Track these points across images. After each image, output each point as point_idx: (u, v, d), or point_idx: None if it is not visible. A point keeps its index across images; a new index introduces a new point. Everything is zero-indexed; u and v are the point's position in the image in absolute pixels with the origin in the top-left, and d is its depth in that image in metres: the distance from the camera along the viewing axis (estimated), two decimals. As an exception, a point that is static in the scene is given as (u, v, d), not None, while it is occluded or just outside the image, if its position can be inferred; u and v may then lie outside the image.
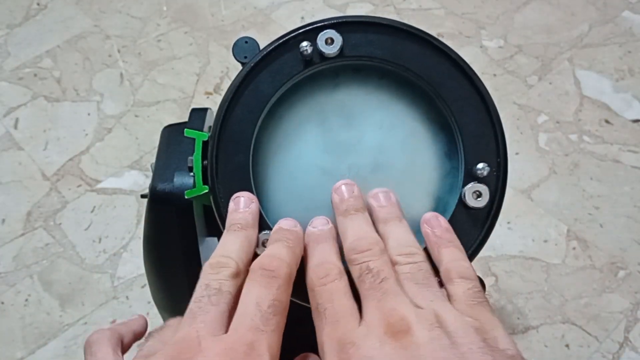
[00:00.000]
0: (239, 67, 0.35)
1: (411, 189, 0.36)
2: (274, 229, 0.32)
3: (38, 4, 1.02)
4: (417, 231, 0.36)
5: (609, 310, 0.69)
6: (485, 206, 0.34)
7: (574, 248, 0.73)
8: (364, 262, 0.29)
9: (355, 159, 0.36)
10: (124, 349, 0.30)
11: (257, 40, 0.35)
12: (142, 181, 0.79)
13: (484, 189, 0.34)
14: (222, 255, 0.29)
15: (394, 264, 0.29)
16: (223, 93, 0.35)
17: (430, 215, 0.33)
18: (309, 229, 0.32)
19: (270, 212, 0.35)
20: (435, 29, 0.95)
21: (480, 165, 0.34)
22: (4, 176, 0.80)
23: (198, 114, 0.42)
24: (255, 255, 0.31)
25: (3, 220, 0.76)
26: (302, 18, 0.97)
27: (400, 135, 0.36)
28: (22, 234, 0.74)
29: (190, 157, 0.35)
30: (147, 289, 0.42)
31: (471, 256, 0.34)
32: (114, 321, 0.68)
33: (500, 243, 0.74)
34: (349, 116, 0.36)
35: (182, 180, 0.39)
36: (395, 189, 0.36)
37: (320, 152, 0.36)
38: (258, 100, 0.35)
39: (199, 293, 0.28)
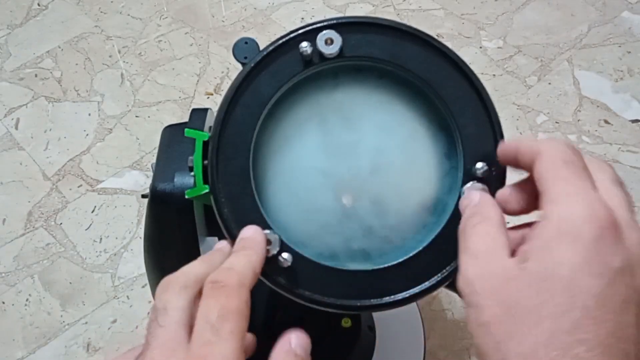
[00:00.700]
0: (239, 67, 0.36)
1: (410, 189, 0.36)
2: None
3: (39, 5, 1.03)
4: (417, 231, 0.36)
5: (608, 310, 0.69)
6: (484, 206, 0.34)
7: (573, 248, 0.73)
8: None
9: (355, 159, 0.36)
10: None
11: (257, 40, 0.35)
12: (143, 181, 0.79)
13: (483, 188, 0.34)
14: (174, 274, 0.29)
15: None
16: (223, 93, 0.35)
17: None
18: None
19: (270, 212, 0.35)
20: (435, 30, 0.95)
21: (479, 165, 0.34)
22: (5, 176, 0.80)
23: (198, 114, 0.42)
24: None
25: (4, 220, 0.76)
26: (302, 19, 0.97)
27: (399, 136, 0.36)
28: (23, 234, 0.75)
29: (190, 157, 0.36)
30: (148, 288, 0.42)
31: (470, 256, 0.34)
32: (114, 321, 0.68)
33: (499, 243, 0.74)
34: (348, 116, 0.36)
35: (182, 180, 0.39)
36: (395, 190, 0.36)
37: (319, 153, 0.36)
38: (258, 100, 0.35)
39: (150, 317, 0.27)
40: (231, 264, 0.30)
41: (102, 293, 0.70)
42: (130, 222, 0.75)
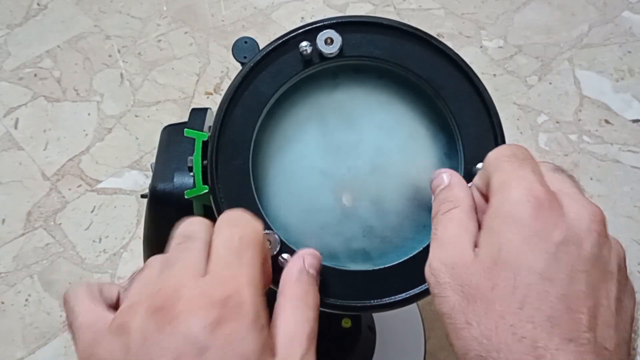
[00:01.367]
0: (239, 67, 0.36)
1: (411, 189, 0.36)
2: None
3: (38, 4, 1.02)
4: (417, 231, 0.36)
5: (608, 310, 0.69)
6: (485, 206, 0.34)
7: (573, 248, 0.73)
8: None
9: (355, 159, 0.36)
10: (106, 300, 0.29)
11: (256, 40, 0.35)
12: (142, 181, 0.79)
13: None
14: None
15: None
16: (223, 93, 0.35)
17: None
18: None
19: (270, 212, 0.35)
20: (435, 29, 0.95)
21: (479, 165, 0.34)
22: (4, 176, 0.80)
23: (198, 114, 0.42)
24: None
25: (3, 220, 0.76)
26: (302, 18, 0.97)
27: (399, 136, 0.36)
28: (22, 234, 0.74)
29: (190, 157, 0.35)
30: (147, 288, 0.42)
31: (471, 256, 0.34)
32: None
33: (500, 243, 0.74)
34: (348, 116, 0.36)
35: (182, 180, 0.39)
36: (395, 190, 0.36)
37: (319, 153, 0.36)
38: (258, 100, 0.35)
39: (173, 242, 0.28)
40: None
41: (102, 293, 0.70)
42: (129, 222, 0.75)
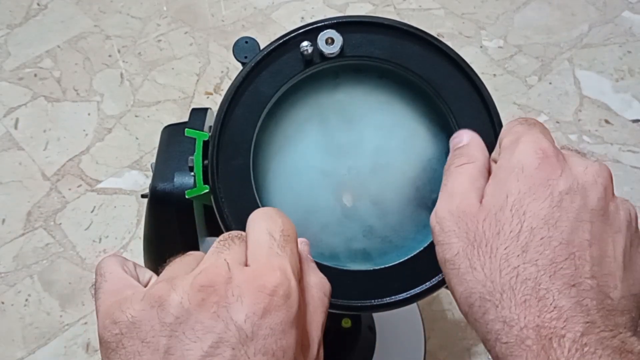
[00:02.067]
0: (239, 67, 0.35)
1: (411, 189, 0.36)
2: None
3: (38, 4, 1.02)
4: (417, 231, 0.36)
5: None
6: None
7: (573, 248, 0.73)
8: None
9: (355, 159, 0.36)
10: (138, 278, 0.29)
11: (257, 40, 0.35)
12: (143, 181, 0.79)
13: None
14: None
15: None
16: (223, 93, 0.35)
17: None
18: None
19: (270, 212, 0.35)
20: (435, 29, 0.95)
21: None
22: (4, 176, 0.80)
23: (198, 114, 0.42)
24: None
25: (3, 220, 0.76)
26: (302, 18, 0.97)
27: (400, 136, 0.36)
28: (22, 234, 0.74)
29: (190, 157, 0.35)
30: (148, 288, 0.42)
31: (471, 256, 0.34)
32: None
33: (500, 243, 0.74)
34: (349, 116, 0.36)
35: (182, 180, 0.39)
36: (395, 190, 0.36)
37: (320, 153, 0.36)
38: (258, 100, 0.35)
39: (220, 239, 0.27)
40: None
41: (102, 293, 0.69)
42: (129, 222, 0.75)
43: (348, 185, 0.35)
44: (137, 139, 0.84)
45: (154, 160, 0.42)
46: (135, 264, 0.30)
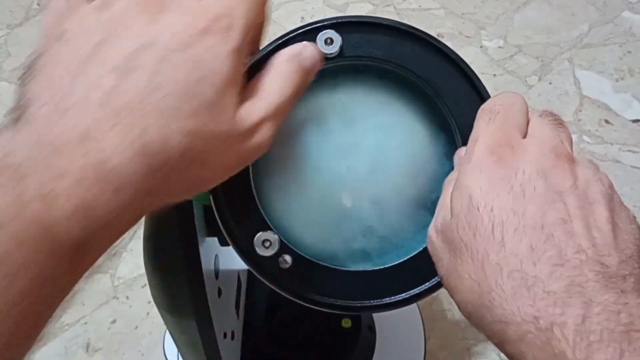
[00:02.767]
0: (239, 67, 0.35)
1: (411, 189, 0.36)
2: None
3: (38, 4, 1.02)
4: (417, 231, 0.36)
5: (608, 310, 0.69)
6: (485, 206, 0.34)
7: (573, 248, 0.73)
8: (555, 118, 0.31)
9: (355, 159, 0.36)
10: None
11: (257, 40, 0.35)
12: (142, 181, 0.79)
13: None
14: None
15: None
16: (223, 93, 0.35)
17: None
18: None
19: (269, 212, 0.35)
20: (435, 29, 0.95)
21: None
22: (4, 176, 0.80)
23: (198, 114, 0.42)
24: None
25: (3, 221, 0.76)
26: (302, 18, 0.97)
27: (399, 136, 0.36)
28: (23, 234, 0.74)
29: (190, 157, 0.35)
30: (148, 288, 0.42)
31: (471, 256, 0.34)
32: (114, 321, 0.68)
33: (500, 243, 0.74)
34: (348, 116, 0.36)
35: (182, 180, 0.39)
36: (395, 190, 0.36)
37: (319, 153, 0.36)
38: (258, 100, 0.35)
39: None
40: None
41: (102, 293, 0.70)
42: (130, 222, 0.75)
43: (347, 185, 0.35)
44: (137, 139, 0.84)
45: (153, 160, 0.42)
46: None
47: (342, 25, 0.34)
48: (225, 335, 0.47)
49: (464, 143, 0.35)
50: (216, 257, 0.46)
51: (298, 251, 0.34)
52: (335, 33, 0.34)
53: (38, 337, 0.24)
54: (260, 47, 0.35)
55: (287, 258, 0.33)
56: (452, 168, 0.36)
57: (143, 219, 0.44)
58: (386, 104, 0.36)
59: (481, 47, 0.93)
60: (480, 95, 0.35)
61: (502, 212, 0.25)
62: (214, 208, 0.34)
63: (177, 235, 0.40)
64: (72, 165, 0.22)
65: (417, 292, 0.34)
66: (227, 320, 0.50)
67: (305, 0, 0.99)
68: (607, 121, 0.83)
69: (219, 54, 0.24)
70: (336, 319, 0.57)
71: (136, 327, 0.67)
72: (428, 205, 0.36)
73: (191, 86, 0.24)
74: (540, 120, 0.29)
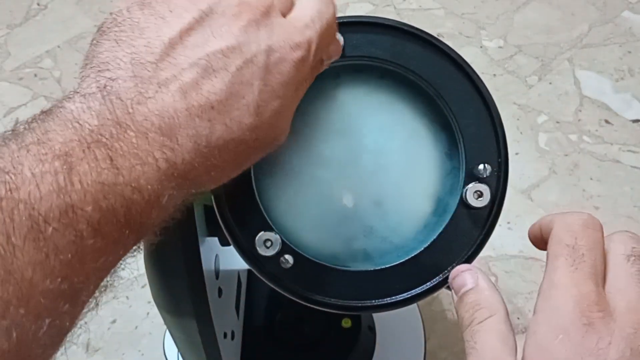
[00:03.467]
0: (240, 67, 0.35)
1: (412, 189, 0.36)
2: None
3: (38, 4, 1.02)
4: (418, 231, 0.36)
5: (609, 310, 0.69)
6: (486, 206, 0.34)
7: (574, 248, 0.73)
8: (636, 248, 0.27)
9: (356, 159, 0.36)
10: None
11: (257, 40, 0.35)
12: (142, 181, 0.79)
13: (485, 188, 0.34)
14: None
15: None
16: (224, 93, 0.35)
17: None
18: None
19: (271, 212, 0.35)
20: (435, 29, 0.95)
21: (481, 166, 0.34)
22: (4, 176, 0.80)
23: (198, 114, 0.41)
24: None
25: (3, 220, 0.76)
26: (302, 18, 0.97)
27: (400, 136, 0.36)
28: (22, 234, 0.74)
29: (190, 157, 0.35)
30: (148, 288, 0.42)
31: (472, 256, 0.34)
32: (114, 321, 0.68)
33: (500, 243, 0.74)
34: (349, 116, 0.36)
35: (182, 180, 0.39)
36: (396, 190, 0.36)
37: (320, 153, 0.36)
38: (259, 100, 0.35)
39: None
40: None
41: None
42: (130, 222, 0.75)
43: (349, 185, 0.35)
44: (137, 139, 0.84)
45: (154, 160, 0.41)
46: None
47: (343, 25, 0.34)
48: (225, 335, 0.47)
49: (465, 143, 0.35)
50: (216, 257, 0.46)
51: (299, 251, 0.34)
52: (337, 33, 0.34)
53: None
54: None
55: (289, 258, 0.33)
56: (453, 168, 0.36)
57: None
58: (387, 104, 0.36)
59: (481, 47, 0.93)
60: (481, 95, 0.35)
61: None
62: (215, 208, 0.34)
63: (177, 235, 0.40)
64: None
65: (418, 292, 0.34)
66: (227, 320, 0.50)
67: (305, 0, 0.99)
68: (607, 121, 0.83)
69: (300, 69, 0.27)
70: (336, 319, 0.57)
71: (136, 327, 0.67)
72: (429, 205, 0.36)
73: (265, 97, 0.25)
74: (626, 271, 0.26)
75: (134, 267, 0.77)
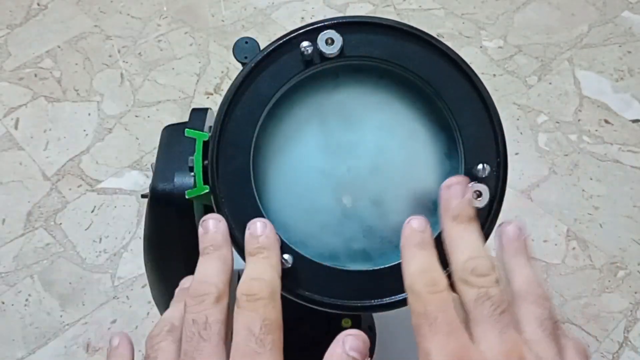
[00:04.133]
0: (239, 67, 0.36)
1: (411, 189, 0.36)
2: (245, 236, 0.32)
3: (38, 4, 1.02)
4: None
5: (608, 310, 0.69)
6: (486, 206, 0.34)
7: (573, 248, 0.73)
8: (483, 287, 0.28)
9: (355, 160, 0.36)
10: None
11: (257, 40, 0.35)
12: (143, 181, 0.79)
13: (484, 188, 0.34)
14: (200, 282, 0.29)
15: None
16: (223, 93, 0.35)
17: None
18: (409, 228, 0.31)
19: (270, 212, 0.35)
20: (435, 30, 0.95)
21: (480, 166, 0.34)
22: (5, 176, 0.80)
23: (198, 114, 0.42)
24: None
25: (3, 220, 0.76)
26: (302, 18, 0.97)
27: (400, 136, 0.36)
28: (23, 234, 0.74)
29: (190, 157, 0.35)
30: (148, 288, 0.42)
31: (471, 256, 0.34)
32: (114, 321, 0.68)
33: (500, 243, 0.74)
34: (349, 117, 0.36)
35: (182, 180, 0.39)
36: (395, 190, 0.36)
37: (320, 153, 0.36)
38: (258, 100, 0.35)
39: (188, 331, 0.28)
40: (258, 273, 0.30)
41: (102, 293, 0.70)
42: (130, 222, 0.75)
43: (348, 185, 0.35)
44: (137, 139, 0.84)
45: (154, 160, 0.42)
46: None
47: (343, 25, 0.34)
48: (225, 335, 0.47)
49: (464, 143, 0.35)
50: (216, 257, 0.46)
51: (299, 251, 0.34)
52: (336, 33, 0.34)
53: None
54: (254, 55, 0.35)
55: (288, 258, 0.33)
56: (452, 168, 0.36)
57: (143, 219, 0.44)
58: (387, 103, 0.36)
59: (481, 47, 0.93)
60: (481, 95, 0.35)
61: None
62: (214, 208, 0.34)
63: (177, 235, 0.40)
64: None
65: (418, 292, 0.34)
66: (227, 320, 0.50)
67: (305, 1, 0.99)
68: (607, 121, 0.84)
69: None
70: (336, 319, 0.57)
71: (136, 327, 0.67)
72: (428, 205, 0.36)
73: None
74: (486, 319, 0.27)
75: (134, 267, 0.78)
